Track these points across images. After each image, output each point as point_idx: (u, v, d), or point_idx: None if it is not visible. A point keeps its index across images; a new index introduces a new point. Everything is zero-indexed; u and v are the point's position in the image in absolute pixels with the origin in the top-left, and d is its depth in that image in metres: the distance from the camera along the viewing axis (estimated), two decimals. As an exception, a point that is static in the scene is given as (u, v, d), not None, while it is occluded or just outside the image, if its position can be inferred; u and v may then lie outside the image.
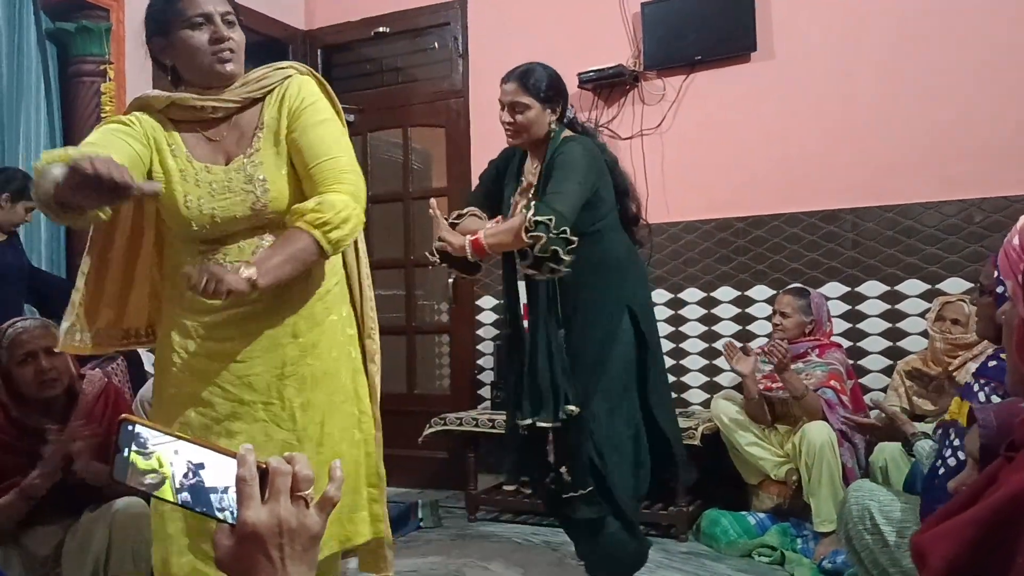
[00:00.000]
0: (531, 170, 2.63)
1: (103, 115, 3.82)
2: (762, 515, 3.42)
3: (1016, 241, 0.93)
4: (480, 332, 4.64)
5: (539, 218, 2.24)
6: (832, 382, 3.33)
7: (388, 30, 4.86)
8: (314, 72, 1.96)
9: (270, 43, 4.90)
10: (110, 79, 3.85)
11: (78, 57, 3.81)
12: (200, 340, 1.81)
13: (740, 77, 4.01)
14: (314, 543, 0.80)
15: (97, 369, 2.83)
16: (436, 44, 4.85)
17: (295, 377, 1.82)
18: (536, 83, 2.53)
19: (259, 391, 1.80)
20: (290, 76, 1.88)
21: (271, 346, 1.81)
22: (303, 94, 1.85)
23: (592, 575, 2.69)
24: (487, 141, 4.53)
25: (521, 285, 2.63)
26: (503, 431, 3.00)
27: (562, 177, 2.40)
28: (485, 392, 4.53)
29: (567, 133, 2.59)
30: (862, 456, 3.32)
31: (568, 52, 4.16)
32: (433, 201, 2.60)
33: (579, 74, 4.13)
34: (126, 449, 0.79)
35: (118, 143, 1.72)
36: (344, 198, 1.74)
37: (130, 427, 0.79)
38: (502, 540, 3.64)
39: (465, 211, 2.62)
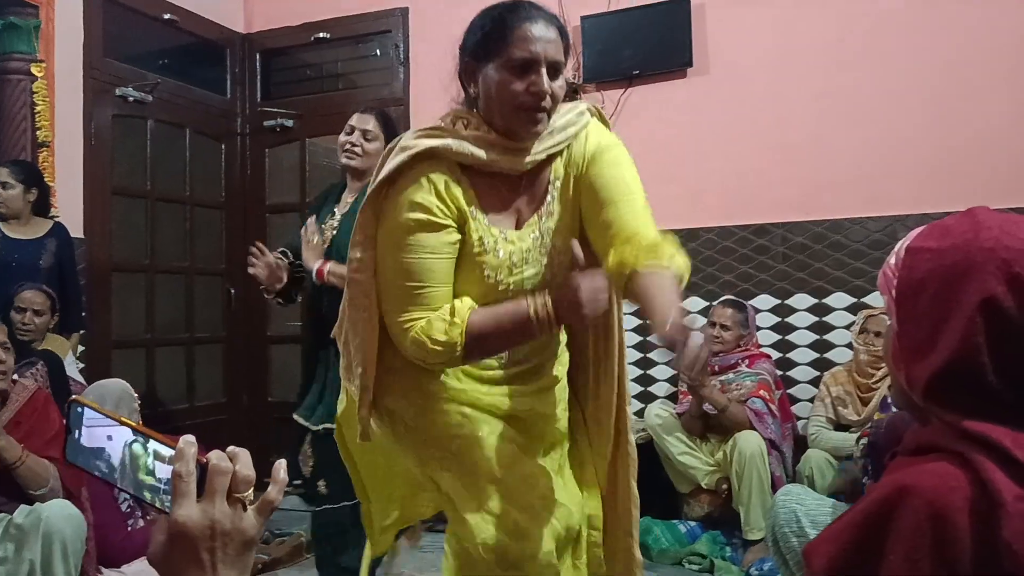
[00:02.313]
0: (346, 201, 2.83)
1: (36, 113, 3.72)
2: (693, 523, 3.48)
3: (892, 261, 0.99)
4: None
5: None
6: (761, 392, 3.41)
7: (328, 36, 4.83)
8: (600, 110, 1.76)
9: (208, 46, 4.84)
10: (39, 78, 3.75)
11: (5, 55, 3.70)
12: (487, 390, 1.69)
13: (676, 92, 4.10)
14: (248, 547, 0.77)
15: (28, 375, 2.80)
16: (378, 51, 4.84)
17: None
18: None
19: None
20: (588, 123, 1.66)
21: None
22: (600, 138, 1.65)
23: None
24: (427, 150, 4.54)
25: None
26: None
27: None
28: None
29: None
30: (790, 465, 3.41)
31: (509, 63, 4.19)
32: (310, 221, 2.78)
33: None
34: (76, 431, 0.78)
35: (445, 269, 1.55)
36: (654, 234, 1.54)
37: (79, 408, 0.78)
38: (437, 550, 3.61)
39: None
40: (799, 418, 3.72)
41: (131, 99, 4.23)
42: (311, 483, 2.82)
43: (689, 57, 4.01)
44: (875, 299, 3.70)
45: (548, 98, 1.51)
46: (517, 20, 1.52)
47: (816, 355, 3.85)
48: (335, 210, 2.88)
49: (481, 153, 1.54)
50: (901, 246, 1.00)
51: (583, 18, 4.17)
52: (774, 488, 3.19)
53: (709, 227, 4.02)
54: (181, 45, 4.71)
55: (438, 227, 1.53)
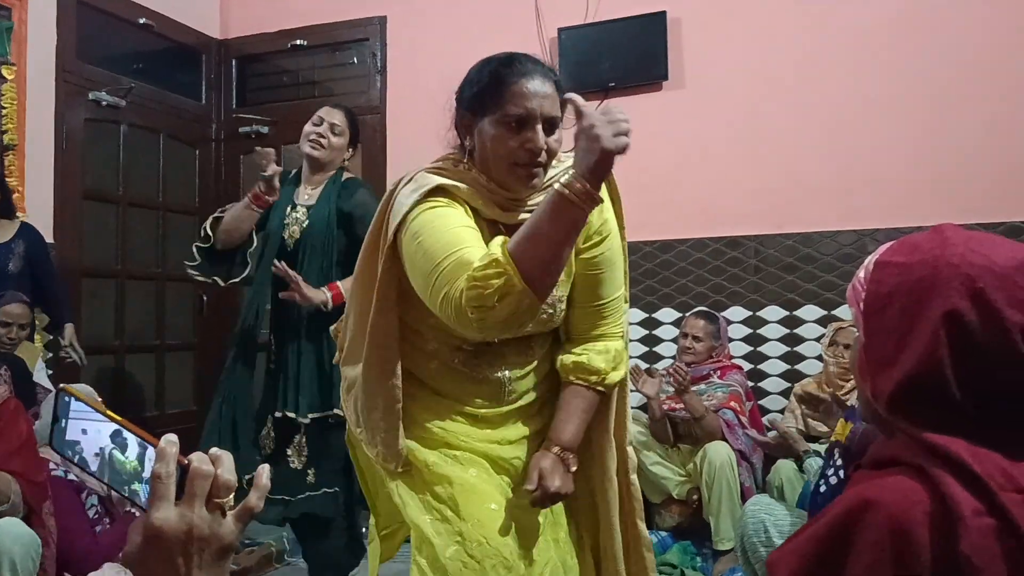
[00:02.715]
0: (307, 192, 2.92)
1: (3, 115, 3.68)
2: (664, 533, 3.49)
3: (861, 274, 1.01)
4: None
5: None
6: (732, 403, 3.44)
7: (305, 43, 4.82)
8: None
9: (183, 51, 4.81)
10: (8, 79, 3.71)
11: (-25, 56, 3.67)
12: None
13: (652, 104, 4.13)
14: (225, 554, 0.75)
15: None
16: (355, 59, 4.84)
17: None
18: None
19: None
20: None
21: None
22: (604, 215, 1.62)
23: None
24: (404, 158, 4.54)
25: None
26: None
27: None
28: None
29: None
30: (759, 476, 3.43)
31: (485, 73, 4.21)
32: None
33: (496, 95, 4.17)
34: (63, 420, 0.78)
35: (478, 236, 1.50)
36: (619, 344, 1.67)
37: (67, 398, 0.78)
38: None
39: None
40: (769, 429, 3.75)
41: (104, 103, 4.19)
42: (302, 474, 2.84)
43: (665, 70, 4.05)
44: (845, 312, 3.74)
45: (544, 154, 1.50)
46: (513, 75, 1.51)
47: (787, 367, 3.88)
48: (295, 202, 2.93)
49: (480, 203, 1.54)
50: (870, 260, 1.01)
51: (560, 30, 4.20)
52: (744, 499, 3.21)
53: (683, 239, 4.05)
54: (156, 50, 4.68)
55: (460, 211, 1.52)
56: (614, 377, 1.65)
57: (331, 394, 2.75)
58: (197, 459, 0.75)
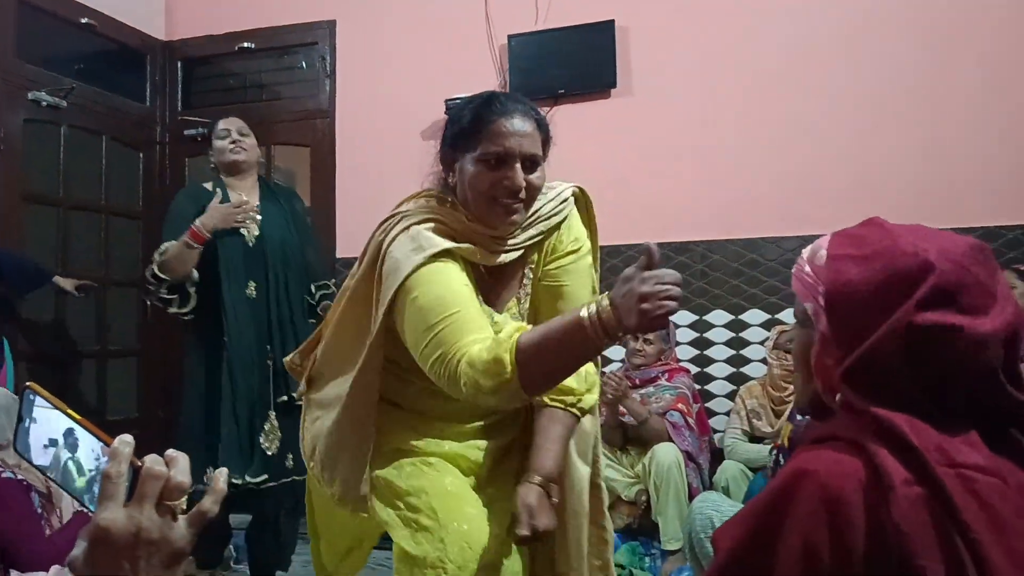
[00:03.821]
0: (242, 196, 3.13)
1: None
2: (613, 535, 3.52)
3: (808, 268, 1.06)
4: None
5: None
6: (679, 405, 3.49)
7: (253, 46, 4.77)
8: (584, 192, 1.79)
9: (127, 52, 4.72)
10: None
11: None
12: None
13: (600, 112, 4.18)
14: (176, 560, 0.72)
15: None
16: (304, 63, 4.80)
17: None
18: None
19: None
20: (568, 215, 1.69)
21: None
22: (575, 234, 1.68)
23: (267, 568, 3.21)
24: (353, 163, 4.52)
25: None
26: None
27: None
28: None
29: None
30: (706, 476, 3.49)
31: (436, 78, 4.24)
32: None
33: (447, 100, 4.19)
34: (27, 419, 0.75)
35: (473, 296, 1.52)
36: (590, 367, 1.63)
37: (31, 396, 0.76)
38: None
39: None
40: (716, 431, 3.82)
41: (44, 104, 4.09)
42: (279, 459, 3.03)
43: (613, 78, 4.10)
44: (788, 316, 3.83)
45: (524, 192, 1.52)
46: (492, 114, 1.53)
47: (732, 370, 3.96)
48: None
49: (468, 247, 1.55)
50: (813, 254, 1.06)
51: (510, 36, 4.23)
52: (691, 499, 3.26)
53: (631, 243, 4.09)
54: (99, 50, 4.58)
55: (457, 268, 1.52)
56: (589, 400, 1.65)
57: None
58: (150, 460, 0.73)
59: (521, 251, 1.60)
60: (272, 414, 3.06)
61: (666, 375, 3.63)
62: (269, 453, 3.02)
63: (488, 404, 1.44)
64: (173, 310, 3.08)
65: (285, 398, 3.05)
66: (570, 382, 1.59)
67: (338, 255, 4.55)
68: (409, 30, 4.47)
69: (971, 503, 0.86)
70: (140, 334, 4.72)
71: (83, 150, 4.38)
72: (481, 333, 1.42)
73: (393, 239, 1.54)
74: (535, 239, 1.62)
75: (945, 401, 0.93)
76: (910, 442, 0.88)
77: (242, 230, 3.05)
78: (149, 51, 4.84)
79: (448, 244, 1.51)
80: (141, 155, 4.77)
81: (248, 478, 2.95)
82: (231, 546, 3.54)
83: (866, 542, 0.86)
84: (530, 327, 1.41)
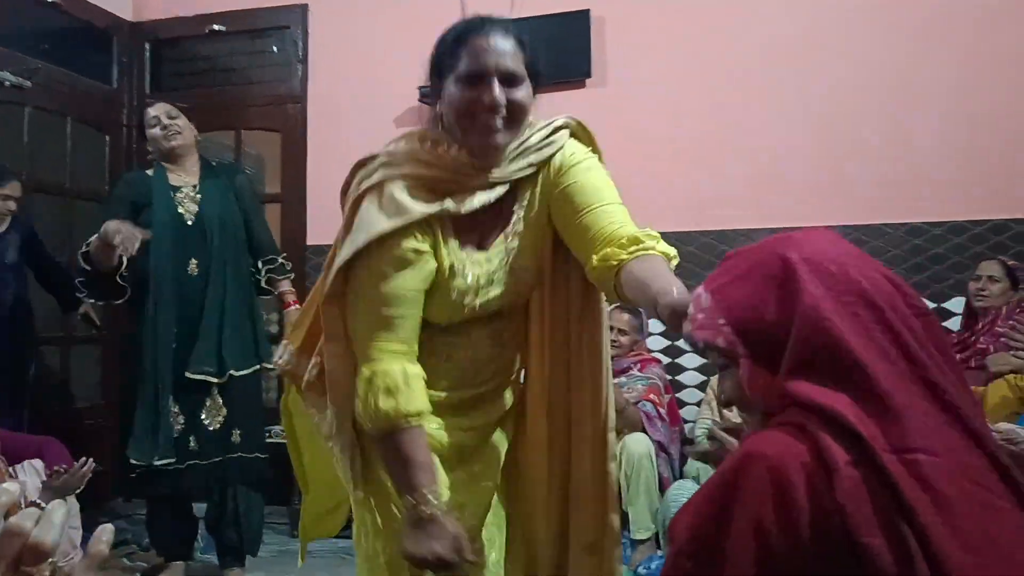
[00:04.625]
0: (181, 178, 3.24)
1: None
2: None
3: (700, 315, 1.09)
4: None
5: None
6: (651, 395, 3.51)
7: (224, 29, 4.70)
8: (582, 124, 1.71)
9: (93, 32, 4.63)
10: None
11: None
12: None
13: (575, 102, 4.16)
14: None
15: None
16: (275, 47, 4.74)
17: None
18: None
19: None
20: (563, 146, 1.62)
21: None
22: (572, 150, 1.62)
23: (233, 555, 3.28)
24: (324, 149, 4.47)
25: None
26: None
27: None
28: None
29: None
30: (677, 466, 3.51)
31: (410, 65, 4.14)
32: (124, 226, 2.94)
33: (420, 88, 4.15)
34: None
35: (416, 300, 1.50)
36: (634, 229, 1.51)
37: None
38: (326, 555, 3.57)
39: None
40: (687, 421, 3.84)
41: (7, 84, 4.00)
42: (224, 434, 3.11)
43: (588, 68, 4.10)
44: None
45: (505, 108, 1.48)
46: (469, 33, 1.52)
47: (703, 361, 3.98)
48: (174, 185, 3.21)
49: (439, 207, 1.50)
50: (697, 302, 1.09)
51: (485, 24, 4.20)
52: (662, 489, 3.28)
53: (604, 234, 4.10)
54: (64, 29, 4.49)
55: (418, 257, 1.49)
56: (666, 249, 1.50)
57: (256, 348, 3.23)
58: (18, 516, 0.65)
59: (507, 185, 1.55)
60: (215, 391, 3.12)
61: (638, 365, 3.64)
62: (211, 429, 3.10)
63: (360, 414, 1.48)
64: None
65: (246, 371, 3.16)
66: (640, 234, 1.49)
67: (308, 242, 4.51)
68: (382, 15, 4.42)
69: (914, 485, 0.88)
70: (104, 320, 4.64)
71: (48, 132, 4.29)
72: (404, 346, 1.47)
73: (364, 194, 1.54)
74: (524, 171, 1.56)
75: (885, 381, 0.94)
76: (852, 426, 0.91)
77: (179, 208, 3.16)
78: (116, 31, 4.75)
79: (419, 212, 1.47)
80: (107, 137, 4.69)
81: (164, 458, 2.97)
82: (199, 535, 3.51)
83: (811, 521, 0.89)
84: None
